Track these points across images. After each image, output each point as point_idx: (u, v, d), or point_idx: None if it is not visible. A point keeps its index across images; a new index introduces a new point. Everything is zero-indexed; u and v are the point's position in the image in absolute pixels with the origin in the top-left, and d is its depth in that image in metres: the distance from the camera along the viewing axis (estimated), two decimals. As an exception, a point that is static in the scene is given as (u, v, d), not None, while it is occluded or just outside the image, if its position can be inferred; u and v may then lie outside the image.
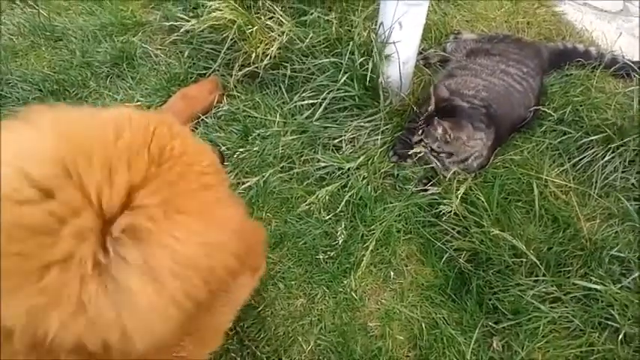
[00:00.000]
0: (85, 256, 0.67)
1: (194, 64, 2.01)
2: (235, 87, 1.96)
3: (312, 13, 1.97)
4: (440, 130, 1.66)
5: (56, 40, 2.14)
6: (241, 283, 1.38)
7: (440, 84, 1.76)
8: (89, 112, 0.80)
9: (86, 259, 0.67)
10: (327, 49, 1.86)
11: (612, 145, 1.78)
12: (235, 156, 1.80)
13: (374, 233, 1.67)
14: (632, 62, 2.05)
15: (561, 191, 1.77)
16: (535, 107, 1.87)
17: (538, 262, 1.56)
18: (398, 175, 1.78)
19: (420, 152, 1.74)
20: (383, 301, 1.60)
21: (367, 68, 1.78)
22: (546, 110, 1.88)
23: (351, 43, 1.77)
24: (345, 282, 1.61)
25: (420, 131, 1.72)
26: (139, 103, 1.93)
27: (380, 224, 1.68)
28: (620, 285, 1.52)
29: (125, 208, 0.70)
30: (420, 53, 2.08)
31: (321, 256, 1.65)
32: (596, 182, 1.76)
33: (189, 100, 1.89)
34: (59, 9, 2.25)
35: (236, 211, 0.86)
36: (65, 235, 0.66)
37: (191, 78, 1.98)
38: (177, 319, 0.76)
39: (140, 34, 2.13)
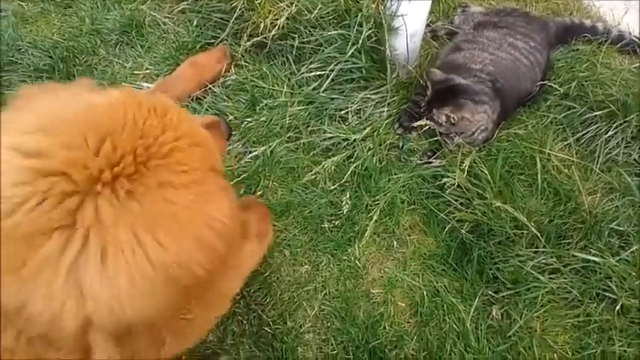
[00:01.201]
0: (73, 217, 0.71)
1: (202, 33, 2.01)
2: (243, 57, 1.97)
3: (320, -16, 1.97)
4: (443, 118, 1.68)
5: (66, 7, 2.15)
6: (248, 251, 1.42)
7: (431, 68, 1.76)
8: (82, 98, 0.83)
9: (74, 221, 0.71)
10: (335, 21, 1.87)
11: (616, 121, 1.79)
12: (243, 125, 1.83)
13: (378, 203, 1.70)
14: (639, 38, 2.04)
15: (564, 165, 1.78)
16: (541, 82, 1.88)
17: (539, 234, 1.59)
18: (403, 146, 1.81)
19: (425, 125, 1.75)
20: (386, 269, 1.64)
21: (375, 40, 1.79)
22: (552, 85, 1.89)
23: (359, 15, 1.77)
24: (349, 250, 1.65)
25: (425, 117, 1.74)
26: (147, 71, 1.95)
27: (384, 195, 1.71)
28: (618, 258, 1.56)
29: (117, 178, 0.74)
30: (427, 26, 2.08)
31: (326, 225, 1.68)
32: (599, 157, 1.78)
33: (198, 68, 1.91)
34: (69, -24, 2.25)
35: (224, 201, 0.88)
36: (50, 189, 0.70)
37: (200, 47, 1.99)
38: (172, 292, 0.79)
39: (149, 1, 2.13)
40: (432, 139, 1.81)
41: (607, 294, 1.53)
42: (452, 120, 1.67)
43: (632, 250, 1.56)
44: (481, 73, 1.75)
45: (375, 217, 1.68)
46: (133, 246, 0.73)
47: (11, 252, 0.69)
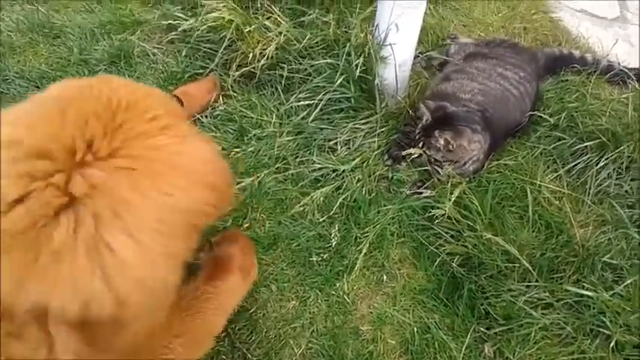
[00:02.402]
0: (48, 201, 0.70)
1: (191, 63, 2.00)
2: (232, 87, 1.95)
3: (310, 15, 1.96)
4: (442, 142, 1.67)
5: (54, 38, 2.14)
6: (232, 287, 1.39)
7: (423, 100, 1.76)
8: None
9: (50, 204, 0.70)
10: (324, 51, 1.86)
11: (606, 152, 1.78)
12: (231, 156, 1.80)
13: (367, 236, 1.67)
14: (628, 69, 2.05)
15: (555, 197, 1.77)
16: (531, 112, 1.87)
17: (531, 268, 1.56)
18: (392, 178, 1.79)
19: (414, 154, 1.74)
20: (375, 304, 1.60)
21: (364, 70, 1.78)
22: (542, 115, 1.88)
23: (347, 44, 1.77)
24: (338, 285, 1.61)
25: (421, 144, 1.72)
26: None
27: (373, 227, 1.68)
28: (612, 292, 1.52)
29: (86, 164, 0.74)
30: (420, 54, 2.09)
31: (314, 259, 1.65)
32: (590, 188, 1.77)
33: (188, 99, 1.88)
34: (58, 6, 2.24)
35: (201, 143, 0.89)
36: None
37: (188, 77, 1.97)
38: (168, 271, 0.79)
39: (138, 32, 2.13)
40: (421, 169, 1.79)
41: (601, 330, 1.49)
42: (450, 147, 1.66)
43: (625, 284, 1.53)
44: (470, 103, 1.74)
45: (364, 250, 1.65)
46: (138, 201, 0.74)
47: (19, 249, 0.69)
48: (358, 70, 1.77)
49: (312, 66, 1.85)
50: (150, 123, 0.81)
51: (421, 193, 1.76)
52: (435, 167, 1.74)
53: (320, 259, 1.65)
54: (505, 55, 1.96)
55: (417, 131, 1.72)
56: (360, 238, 1.67)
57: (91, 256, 0.70)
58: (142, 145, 0.78)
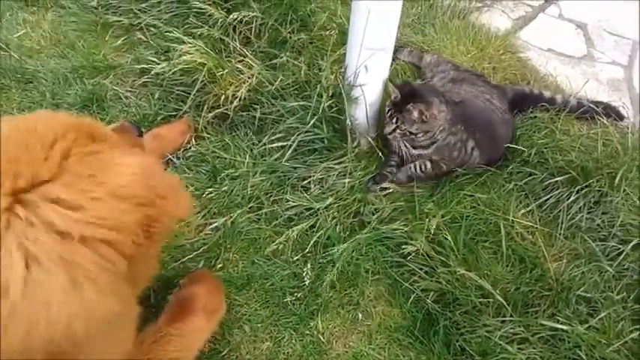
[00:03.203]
0: None
1: (164, 105, 2.02)
2: (205, 128, 1.96)
3: (281, 57, 2.00)
4: (416, 114, 1.72)
5: (27, 83, 2.15)
6: (195, 329, 1.36)
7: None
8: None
9: None
10: (296, 92, 1.89)
11: (577, 186, 1.80)
12: (204, 196, 1.79)
13: (342, 273, 1.65)
14: (596, 104, 2.10)
15: (528, 232, 1.78)
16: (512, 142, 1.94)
17: (505, 303, 1.55)
18: (364, 212, 1.78)
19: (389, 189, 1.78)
20: (351, 343, 1.58)
21: (336, 110, 1.81)
22: (515, 147, 1.91)
23: (318, 86, 1.80)
24: (312, 324, 1.59)
25: (395, 119, 1.76)
26: (108, 144, 1.92)
27: (347, 265, 1.67)
28: (587, 325, 1.52)
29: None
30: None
31: (288, 298, 1.63)
32: (562, 223, 1.78)
33: (161, 141, 1.89)
34: (31, 52, 2.26)
35: (134, 158, 0.90)
36: None
37: (161, 119, 1.98)
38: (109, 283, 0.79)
39: (111, 76, 2.14)
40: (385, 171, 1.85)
41: (577, 363, 1.48)
42: (424, 117, 1.72)
43: (600, 316, 1.53)
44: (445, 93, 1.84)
45: (338, 288, 1.63)
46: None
47: None
48: (330, 111, 1.80)
49: (284, 107, 1.87)
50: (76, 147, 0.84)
51: (379, 186, 1.81)
52: (407, 143, 1.81)
53: (294, 298, 1.63)
54: (487, 85, 2.02)
55: (388, 108, 1.77)
56: (333, 276, 1.65)
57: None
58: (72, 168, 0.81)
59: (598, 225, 1.78)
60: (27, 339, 0.72)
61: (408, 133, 1.77)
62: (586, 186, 1.80)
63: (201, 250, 1.70)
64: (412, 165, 1.84)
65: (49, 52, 2.26)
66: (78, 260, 0.76)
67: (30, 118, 0.89)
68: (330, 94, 1.81)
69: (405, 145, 1.80)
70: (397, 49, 2.25)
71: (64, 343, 0.75)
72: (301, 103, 1.84)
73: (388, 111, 1.77)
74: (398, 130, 1.77)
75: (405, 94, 1.74)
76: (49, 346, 0.74)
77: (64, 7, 2.42)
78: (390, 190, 1.79)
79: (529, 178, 1.89)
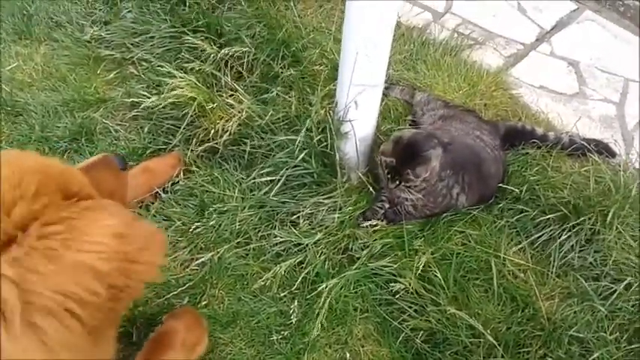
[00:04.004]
0: None
1: (154, 139, 2.01)
2: (195, 162, 1.95)
3: (272, 92, 2.01)
4: (420, 179, 1.68)
5: (16, 115, 2.14)
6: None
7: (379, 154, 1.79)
8: None
9: None
10: (286, 127, 1.89)
11: (569, 224, 1.78)
12: (190, 231, 1.77)
13: (330, 311, 1.62)
14: (588, 141, 2.09)
15: (519, 270, 1.75)
16: (504, 179, 1.93)
17: (496, 343, 1.52)
18: (352, 248, 1.76)
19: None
20: (338, 384, 1.54)
21: (326, 145, 1.80)
22: (507, 187, 1.90)
23: (308, 120, 1.79)
24: (299, 364, 1.55)
25: (397, 183, 1.72)
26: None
27: (336, 302, 1.64)
28: (579, 367, 1.49)
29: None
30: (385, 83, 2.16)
31: (274, 337, 1.59)
32: (554, 261, 1.76)
33: (150, 174, 1.87)
34: (22, 85, 2.26)
35: (114, 219, 0.87)
36: None
37: (150, 152, 1.97)
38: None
39: (102, 110, 2.14)
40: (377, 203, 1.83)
41: (570, 407, 1.44)
42: (427, 176, 1.69)
43: (593, 357, 1.50)
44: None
45: (326, 326, 1.60)
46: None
47: None
48: (319, 146, 1.79)
49: (274, 141, 1.86)
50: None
51: (370, 222, 1.78)
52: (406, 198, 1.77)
53: (280, 336, 1.60)
54: (478, 121, 2.02)
55: (387, 172, 1.72)
56: (322, 314, 1.62)
57: None
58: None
59: (590, 263, 1.76)
60: None
61: (413, 186, 1.74)
62: (578, 224, 1.78)
63: (186, 286, 1.67)
64: (401, 206, 1.82)
65: (41, 85, 2.26)
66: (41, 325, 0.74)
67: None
68: (320, 129, 1.80)
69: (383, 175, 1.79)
70: (389, 87, 2.26)
71: None
72: (290, 137, 1.83)
73: (387, 173, 1.73)
74: (410, 199, 1.76)
75: (399, 152, 1.70)
76: None
77: (57, 41, 2.43)
78: (378, 227, 1.77)
79: (520, 215, 1.86)
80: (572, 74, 2.62)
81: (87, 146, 2.00)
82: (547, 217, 1.82)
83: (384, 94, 2.18)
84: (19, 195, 0.79)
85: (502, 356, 1.51)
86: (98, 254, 0.80)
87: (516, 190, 1.88)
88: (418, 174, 1.67)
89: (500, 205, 1.90)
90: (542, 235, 1.81)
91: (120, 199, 1.28)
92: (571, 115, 2.37)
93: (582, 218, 1.78)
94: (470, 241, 1.79)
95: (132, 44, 2.28)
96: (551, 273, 1.74)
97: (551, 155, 2.05)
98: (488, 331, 1.54)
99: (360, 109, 1.72)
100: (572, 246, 1.77)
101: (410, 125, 2.15)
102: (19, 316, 0.71)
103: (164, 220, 1.80)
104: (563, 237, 1.77)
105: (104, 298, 0.80)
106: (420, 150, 1.68)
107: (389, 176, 1.71)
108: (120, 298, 0.85)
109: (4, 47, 2.41)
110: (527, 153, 2.07)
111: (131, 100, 2.06)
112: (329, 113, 1.81)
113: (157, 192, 1.85)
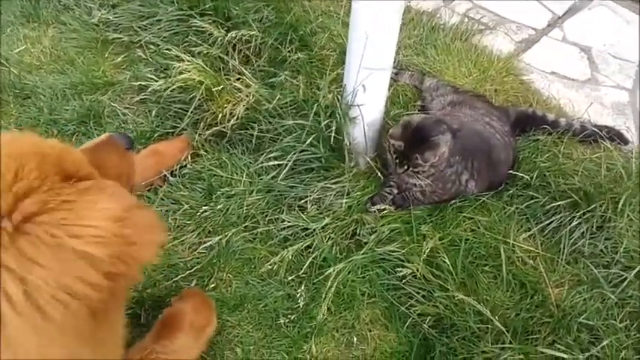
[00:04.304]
0: None
1: (162, 122, 2.00)
2: (203, 146, 1.94)
3: (280, 76, 1.99)
4: (428, 164, 1.67)
5: (25, 98, 2.14)
6: (182, 346, 1.33)
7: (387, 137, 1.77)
8: None
9: None
10: (294, 111, 1.88)
11: (579, 211, 1.76)
12: (198, 215, 1.77)
13: (337, 296, 1.62)
14: (599, 127, 2.07)
15: (529, 256, 1.74)
16: (514, 165, 1.92)
17: (504, 329, 1.51)
18: (360, 232, 1.75)
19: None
20: (345, 368, 1.54)
21: (332, 130, 1.78)
22: (517, 173, 1.88)
23: (316, 105, 1.78)
24: (306, 347, 1.55)
25: (405, 166, 1.70)
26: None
27: (343, 287, 1.63)
28: (588, 354, 1.47)
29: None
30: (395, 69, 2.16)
31: (281, 320, 1.59)
32: (564, 248, 1.74)
33: (159, 157, 1.87)
34: (30, 67, 2.26)
35: (112, 202, 0.85)
36: None
37: (157, 136, 1.97)
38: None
39: (110, 93, 2.14)
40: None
41: (578, 393, 1.43)
42: (438, 160, 1.67)
43: (602, 345, 1.48)
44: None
45: (333, 310, 1.59)
46: None
47: None
48: (327, 130, 1.77)
49: (282, 126, 1.85)
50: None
51: (377, 206, 1.77)
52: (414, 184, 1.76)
53: (288, 320, 1.59)
54: (488, 107, 1.99)
55: (395, 157, 1.71)
56: (329, 297, 1.61)
57: None
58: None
59: (601, 251, 1.74)
60: None
61: (421, 172, 1.73)
62: (589, 211, 1.75)
63: (194, 269, 1.67)
64: (409, 192, 1.80)
65: (49, 68, 2.26)
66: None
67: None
68: (327, 114, 1.78)
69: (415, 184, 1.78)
70: (398, 72, 2.24)
71: None
72: (298, 121, 1.82)
73: (395, 158, 1.72)
74: (418, 183, 1.75)
75: (407, 137, 1.69)
76: None
77: (65, 24, 2.43)
78: (386, 212, 1.76)
79: (531, 202, 1.85)
80: (585, 60, 2.59)
81: (95, 129, 2.00)
82: (557, 203, 1.80)
83: (393, 79, 2.18)
84: (17, 177, 0.78)
85: (510, 342, 1.50)
86: (95, 239, 0.79)
87: (527, 176, 1.86)
88: (426, 159, 1.65)
89: (511, 191, 1.88)
90: (553, 221, 1.79)
91: (126, 181, 1.26)
92: (583, 101, 2.34)
93: (593, 205, 1.75)
94: (479, 228, 1.78)
95: (139, 27, 2.27)
96: (561, 260, 1.72)
97: (562, 142, 2.02)
98: (497, 317, 1.52)
99: (368, 93, 1.70)
100: (583, 233, 1.75)
101: (419, 111, 2.14)
102: (21, 303, 0.70)
103: (172, 203, 1.80)
104: (574, 224, 1.75)
105: (104, 284, 0.79)
106: (429, 135, 1.66)
107: (397, 161, 1.70)
108: (120, 281, 0.84)
109: (12, 30, 2.40)
110: (538, 139, 2.04)
111: (139, 83, 2.05)
112: (337, 97, 1.79)
113: (165, 175, 1.84)
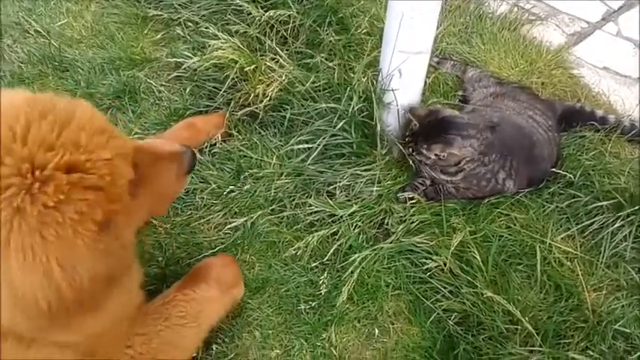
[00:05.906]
0: None
1: (195, 101, 1.99)
2: (236, 126, 1.92)
3: (315, 58, 1.95)
4: (433, 156, 1.63)
5: (63, 71, 2.16)
6: (204, 297, 1.35)
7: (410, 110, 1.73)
8: None
9: None
10: (327, 94, 1.83)
11: (623, 213, 1.67)
12: (225, 195, 1.75)
13: (361, 285, 1.57)
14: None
15: (566, 258, 1.65)
16: (557, 162, 1.85)
17: (534, 332, 1.44)
18: (388, 222, 1.69)
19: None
20: (364, 359, 1.49)
21: (366, 115, 1.73)
22: (560, 171, 1.79)
23: (349, 88, 1.72)
24: (325, 335, 1.51)
25: (410, 149, 1.69)
26: (136, 136, 1.90)
27: (367, 276, 1.59)
28: (623, 363, 1.39)
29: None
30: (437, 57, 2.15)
31: (302, 306, 1.56)
32: (604, 251, 1.65)
33: (194, 131, 1.84)
34: (71, 41, 2.28)
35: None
36: None
37: (189, 114, 1.95)
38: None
39: (147, 69, 2.14)
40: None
41: (610, 404, 1.35)
42: (442, 156, 1.63)
43: (638, 354, 1.40)
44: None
45: (355, 299, 1.55)
46: None
47: None
48: (360, 115, 1.72)
49: (314, 109, 1.81)
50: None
51: (406, 192, 1.74)
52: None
53: (308, 306, 1.56)
54: (532, 100, 1.92)
55: (407, 134, 1.68)
56: (352, 287, 1.57)
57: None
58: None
59: (643, 256, 1.65)
60: None
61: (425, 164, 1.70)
62: (633, 213, 1.66)
63: (218, 249, 1.66)
64: (442, 186, 1.74)
65: (89, 43, 2.28)
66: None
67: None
68: (362, 98, 1.73)
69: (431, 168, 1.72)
70: (440, 61, 2.18)
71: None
72: (331, 105, 1.77)
73: (407, 136, 1.68)
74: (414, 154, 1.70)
75: (425, 124, 1.65)
76: None
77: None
78: (416, 201, 1.70)
79: (572, 201, 1.76)
80: (638, 56, 2.45)
81: (130, 104, 2.00)
82: (600, 204, 1.71)
83: (434, 67, 2.11)
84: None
85: (540, 346, 1.43)
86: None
87: (570, 174, 1.78)
88: (431, 150, 1.62)
89: (551, 189, 1.80)
90: (594, 222, 1.71)
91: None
92: (634, 99, 2.23)
93: (638, 207, 1.66)
94: (514, 225, 1.71)
95: (179, 5, 2.26)
96: (601, 263, 1.64)
97: (609, 140, 1.93)
98: (527, 318, 1.46)
99: (404, 78, 1.65)
100: (625, 236, 1.66)
101: (459, 101, 2.06)
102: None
103: (200, 182, 1.78)
104: (616, 226, 1.67)
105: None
106: (448, 130, 1.62)
107: (406, 139, 1.67)
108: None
109: (56, 3, 2.43)
110: (585, 136, 1.95)
111: (174, 60, 2.05)
112: (372, 82, 1.73)
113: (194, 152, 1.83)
